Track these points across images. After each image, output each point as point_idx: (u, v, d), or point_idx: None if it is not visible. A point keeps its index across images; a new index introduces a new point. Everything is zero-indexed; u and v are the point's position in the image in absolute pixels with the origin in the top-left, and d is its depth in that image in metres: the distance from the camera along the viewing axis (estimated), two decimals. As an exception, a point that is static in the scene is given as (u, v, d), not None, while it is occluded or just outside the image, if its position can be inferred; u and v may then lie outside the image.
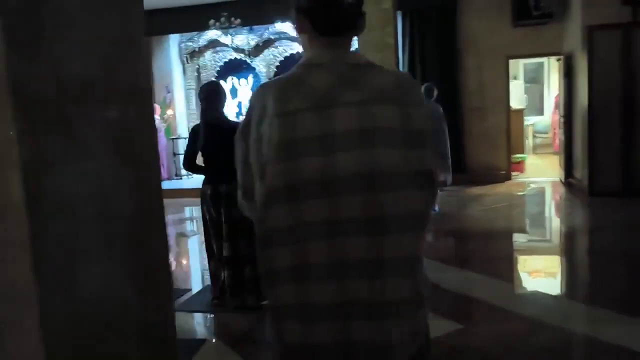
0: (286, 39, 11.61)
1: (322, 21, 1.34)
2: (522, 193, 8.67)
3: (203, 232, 4.38)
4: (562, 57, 8.84)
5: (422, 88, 7.34)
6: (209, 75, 12.27)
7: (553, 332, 3.41)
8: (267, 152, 1.29)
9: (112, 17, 1.33)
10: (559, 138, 12.17)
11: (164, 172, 11.21)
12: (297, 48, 11.66)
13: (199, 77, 12.21)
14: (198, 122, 4.33)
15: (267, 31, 11.37)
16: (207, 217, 4.21)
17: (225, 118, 4.24)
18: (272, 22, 10.48)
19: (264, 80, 11.95)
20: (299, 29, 1.41)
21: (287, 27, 11.38)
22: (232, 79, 12.32)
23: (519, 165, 10.13)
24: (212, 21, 9.34)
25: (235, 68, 12.30)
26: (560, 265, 5.21)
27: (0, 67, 1.04)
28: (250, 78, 12.23)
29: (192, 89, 12.22)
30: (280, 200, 1.27)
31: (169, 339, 1.48)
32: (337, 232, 1.25)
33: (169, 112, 11.76)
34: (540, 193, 8.94)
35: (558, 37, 8.86)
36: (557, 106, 12.59)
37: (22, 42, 1.10)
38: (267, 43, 11.72)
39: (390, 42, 6.85)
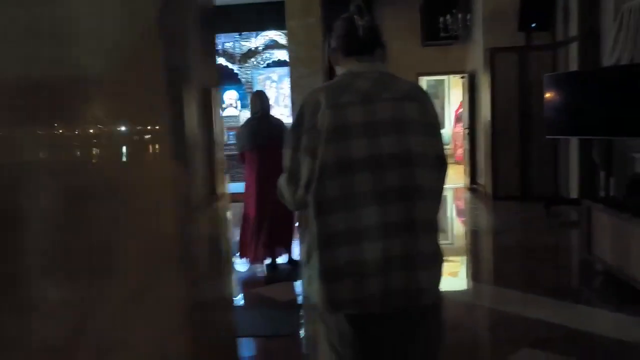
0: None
1: (347, 47, 1.73)
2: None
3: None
4: (465, 75, 9.73)
5: None
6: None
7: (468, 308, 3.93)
8: (321, 135, 1.58)
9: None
10: (462, 148, 13.25)
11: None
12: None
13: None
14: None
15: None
16: None
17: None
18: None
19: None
20: (334, 62, 1.79)
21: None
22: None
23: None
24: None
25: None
26: (471, 255, 5.85)
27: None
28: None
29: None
30: (333, 174, 1.56)
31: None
32: (381, 199, 1.56)
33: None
34: (449, 198, 9.73)
35: (462, 57, 9.76)
36: (457, 119, 13.70)
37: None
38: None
39: (317, 56, 7.25)
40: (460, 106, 13.63)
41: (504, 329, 3.73)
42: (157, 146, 1.27)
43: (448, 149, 14.05)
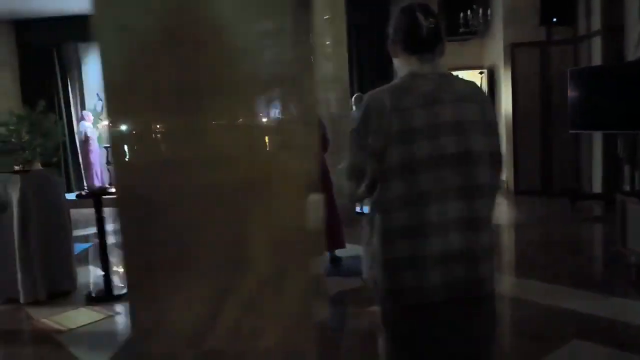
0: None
1: (408, 44, 1.76)
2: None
3: None
4: (484, 70, 9.75)
5: (353, 98, 7.90)
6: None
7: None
8: (386, 139, 1.65)
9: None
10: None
11: (97, 181, 10.96)
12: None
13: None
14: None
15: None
16: None
17: None
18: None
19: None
20: (393, 54, 1.83)
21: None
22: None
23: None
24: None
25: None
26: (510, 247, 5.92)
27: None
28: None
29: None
30: (397, 175, 1.65)
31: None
32: (443, 198, 1.65)
33: (103, 122, 11.54)
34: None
35: (479, 52, 9.79)
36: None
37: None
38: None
39: (342, 52, 7.32)
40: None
41: (548, 322, 3.80)
42: (306, 138, 1.35)
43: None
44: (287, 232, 1.32)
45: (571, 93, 6.94)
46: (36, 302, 4.73)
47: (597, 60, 7.39)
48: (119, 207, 1.36)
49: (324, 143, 5.35)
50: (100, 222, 4.87)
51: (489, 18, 8.68)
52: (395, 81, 1.77)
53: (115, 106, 1.34)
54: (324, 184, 5.30)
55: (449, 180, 1.65)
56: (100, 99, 11.62)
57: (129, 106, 1.32)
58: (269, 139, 1.34)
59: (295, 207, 1.33)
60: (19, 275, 4.72)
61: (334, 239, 5.38)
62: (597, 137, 7.52)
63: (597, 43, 7.42)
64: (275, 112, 1.39)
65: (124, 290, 4.92)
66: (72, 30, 10.44)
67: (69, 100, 10.98)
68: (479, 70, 9.86)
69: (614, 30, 7.07)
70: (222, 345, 1.40)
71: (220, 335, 1.39)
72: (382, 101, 1.69)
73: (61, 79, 10.84)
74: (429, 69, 1.74)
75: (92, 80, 11.60)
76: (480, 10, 8.54)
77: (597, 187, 7.61)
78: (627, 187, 6.65)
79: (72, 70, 11.19)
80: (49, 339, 4.03)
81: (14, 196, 4.73)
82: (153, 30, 1.27)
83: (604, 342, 3.36)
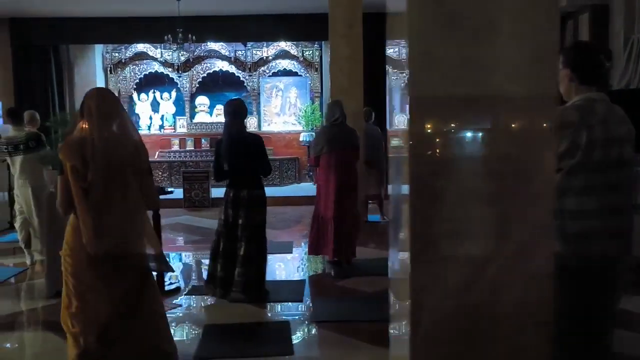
0: (215, 57, 12.07)
1: (589, 78, 2.29)
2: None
3: (216, 233, 4.84)
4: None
5: (363, 112, 8.36)
6: (127, 87, 12.25)
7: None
8: (576, 148, 2.17)
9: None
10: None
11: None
12: (220, 66, 12.16)
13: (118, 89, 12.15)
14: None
15: (198, 48, 11.70)
16: (222, 217, 4.75)
17: (247, 131, 4.87)
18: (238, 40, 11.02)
19: (187, 95, 12.24)
20: (569, 79, 2.31)
21: (218, 46, 11.86)
22: (154, 92, 12.41)
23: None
24: (168, 36, 9.54)
25: (156, 82, 12.41)
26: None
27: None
28: (174, 93, 12.41)
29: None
30: (580, 172, 2.20)
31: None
32: (606, 190, 2.21)
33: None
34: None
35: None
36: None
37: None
38: (197, 60, 12.06)
39: (358, 69, 7.78)
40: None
41: None
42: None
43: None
44: (539, 212, 1.77)
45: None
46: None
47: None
48: (413, 190, 1.77)
49: (357, 152, 5.77)
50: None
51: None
52: (579, 103, 2.26)
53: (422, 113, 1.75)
54: (355, 192, 5.74)
55: (611, 178, 2.22)
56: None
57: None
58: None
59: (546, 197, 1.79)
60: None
61: (353, 248, 5.75)
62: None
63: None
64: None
65: (174, 286, 5.18)
66: (67, 31, 10.50)
67: (64, 102, 10.95)
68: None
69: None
70: (478, 299, 1.81)
71: (478, 290, 1.81)
72: (572, 117, 2.19)
73: (56, 79, 10.81)
74: (601, 96, 2.28)
75: (82, 82, 11.60)
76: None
77: None
78: None
79: (64, 71, 11.18)
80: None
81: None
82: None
83: None
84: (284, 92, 12.38)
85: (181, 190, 9.73)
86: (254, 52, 12.00)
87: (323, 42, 11.61)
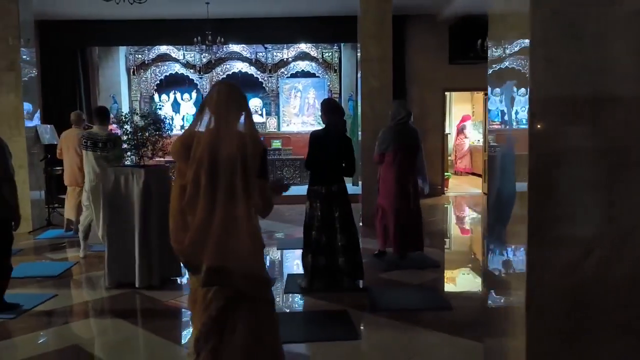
0: (236, 58, 12.30)
1: None
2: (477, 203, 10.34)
3: (305, 227, 5.12)
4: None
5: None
6: (148, 87, 12.46)
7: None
8: None
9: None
10: (461, 159, 14.26)
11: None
12: (240, 67, 12.39)
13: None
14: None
15: (220, 50, 11.92)
16: (317, 213, 5.00)
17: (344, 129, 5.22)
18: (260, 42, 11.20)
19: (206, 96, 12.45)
20: None
21: (239, 48, 12.09)
22: (175, 93, 12.62)
23: (446, 182, 11.85)
24: (197, 38, 9.76)
25: (177, 83, 12.62)
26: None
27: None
28: (194, 93, 12.63)
29: (137, 100, 12.32)
30: None
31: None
32: None
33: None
34: (479, 204, 10.63)
35: (484, 75, 10.71)
36: (459, 131, 14.75)
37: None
38: (218, 61, 12.29)
39: (388, 70, 8.03)
40: (463, 119, 14.74)
41: None
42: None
43: (450, 159, 15.07)
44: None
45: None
46: (150, 287, 5.11)
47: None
48: (532, 182, 2.02)
49: (420, 150, 6.02)
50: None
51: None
52: None
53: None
54: (417, 188, 6.00)
55: None
56: (115, 102, 11.86)
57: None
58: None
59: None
60: (137, 262, 5.10)
61: (419, 234, 6.01)
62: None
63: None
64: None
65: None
66: (94, 34, 10.71)
67: (90, 103, 11.15)
68: (484, 92, 10.84)
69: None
70: (590, 275, 2.06)
71: (590, 267, 2.06)
72: None
73: (82, 81, 11.02)
74: None
75: (106, 83, 11.82)
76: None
77: None
78: None
79: (90, 73, 11.38)
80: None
81: (136, 188, 5.12)
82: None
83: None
84: (303, 93, 12.62)
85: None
86: (275, 53, 12.23)
87: (342, 44, 11.87)
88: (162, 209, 5.23)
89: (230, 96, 2.69)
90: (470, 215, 9.65)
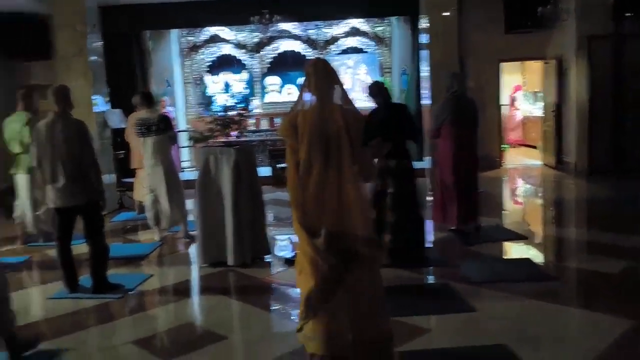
0: (287, 37, 12.26)
1: None
2: (534, 176, 10.22)
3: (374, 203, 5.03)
4: (549, 61, 10.44)
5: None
6: (199, 69, 12.53)
7: None
8: None
9: None
10: (514, 131, 13.99)
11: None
12: (290, 46, 12.35)
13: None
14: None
15: (271, 29, 11.87)
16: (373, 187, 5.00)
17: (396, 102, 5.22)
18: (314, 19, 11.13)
19: (257, 75, 12.48)
20: None
21: (289, 26, 12.03)
22: (226, 74, 12.66)
23: (502, 154, 11.68)
24: (254, 17, 9.75)
25: (228, 64, 12.65)
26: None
27: None
28: (244, 74, 12.65)
29: (190, 82, 12.43)
30: None
31: None
32: None
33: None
34: (541, 175, 10.40)
35: (542, 43, 10.48)
36: (511, 102, 14.43)
37: None
38: (269, 40, 12.27)
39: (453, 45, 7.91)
40: (515, 89, 14.43)
41: None
42: None
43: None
44: None
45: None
46: (243, 265, 5.20)
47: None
48: None
49: (477, 122, 5.96)
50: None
51: (561, 11, 9.37)
52: None
53: None
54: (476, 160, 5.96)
55: None
56: (169, 85, 11.97)
57: None
58: None
59: None
60: (230, 240, 5.18)
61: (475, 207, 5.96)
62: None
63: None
64: None
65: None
66: (150, 17, 10.73)
67: (146, 86, 11.26)
68: (544, 61, 10.58)
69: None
70: None
71: None
72: None
73: (138, 64, 11.12)
74: None
75: (159, 66, 11.90)
76: (558, 5, 9.23)
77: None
78: None
79: (145, 56, 11.48)
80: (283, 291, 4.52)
81: (226, 167, 5.17)
82: None
83: None
84: (354, 69, 12.52)
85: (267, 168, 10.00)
86: (325, 30, 12.15)
87: (395, 17, 11.69)
88: (252, 188, 5.32)
89: (326, 71, 2.93)
90: (537, 187, 9.46)
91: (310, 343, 2.85)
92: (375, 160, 4.93)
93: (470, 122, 5.82)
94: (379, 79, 11.99)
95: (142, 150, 6.32)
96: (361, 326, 2.82)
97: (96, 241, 4.65)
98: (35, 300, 4.92)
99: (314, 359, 2.85)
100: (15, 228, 6.53)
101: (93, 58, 8.38)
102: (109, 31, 10.69)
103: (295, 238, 5.65)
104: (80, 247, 4.85)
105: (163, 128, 6.15)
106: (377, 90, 5.21)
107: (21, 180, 6.28)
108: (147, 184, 6.41)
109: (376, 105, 5.14)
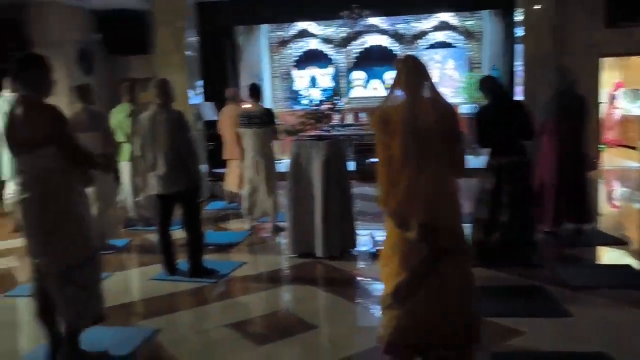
0: (374, 31, 12.24)
1: None
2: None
3: (481, 202, 5.00)
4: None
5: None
6: (287, 64, 12.77)
7: None
8: None
9: None
10: (612, 130, 13.24)
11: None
12: (376, 40, 12.32)
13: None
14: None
15: (359, 23, 11.89)
16: (489, 186, 4.89)
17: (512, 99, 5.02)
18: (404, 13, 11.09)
19: (343, 70, 12.55)
20: None
21: (377, 21, 12.01)
22: (313, 68, 12.84)
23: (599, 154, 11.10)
24: (344, 12, 9.83)
25: (315, 58, 12.82)
26: None
27: None
28: (331, 68, 12.77)
29: (277, 77, 12.71)
30: None
31: None
32: None
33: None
34: None
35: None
36: (611, 100, 13.64)
37: None
38: (356, 35, 12.31)
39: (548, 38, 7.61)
40: (615, 87, 13.64)
41: None
42: None
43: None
44: None
45: None
46: (331, 257, 5.27)
47: None
48: None
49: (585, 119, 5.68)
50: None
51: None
52: None
53: None
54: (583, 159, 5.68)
55: None
56: (260, 80, 12.27)
57: None
58: None
59: None
60: (319, 232, 5.26)
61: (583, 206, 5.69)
62: None
63: None
64: None
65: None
66: (243, 13, 11.04)
67: (237, 82, 11.61)
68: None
69: None
70: None
71: None
72: None
73: (229, 60, 11.48)
74: None
75: (249, 61, 12.23)
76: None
77: None
78: None
79: (236, 52, 11.83)
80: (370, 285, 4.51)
81: (317, 161, 5.26)
82: None
83: None
84: (442, 64, 12.31)
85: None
86: (413, 24, 12.02)
87: (486, 11, 11.37)
88: (341, 182, 5.38)
89: (417, 67, 2.93)
90: (636, 190, 8.94)
91: (386, 331, 2.90)
92: (489, 158, 4.93)
93: (575, 116, 5.56)
94: (492, 72, 11.68)
95: (243, 142, 6.48)
96: (442, 321, 2.83)
97: (194, 228, 4.88)
98: (136, 281, 5.24)
99: (388, 347, 2.90)
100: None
101: (188, 53, 8.73)
102: (204, 27, 11.13)
103: (376, 234, 5.88)
104: (176, 233, 5.10)
105: (267, 121, 6.31)
106: (489, 86, 5.04)
107: (124, 168, 6.68)
108: (246, 175, 6.57)
109: (487, 103, 5.04)
